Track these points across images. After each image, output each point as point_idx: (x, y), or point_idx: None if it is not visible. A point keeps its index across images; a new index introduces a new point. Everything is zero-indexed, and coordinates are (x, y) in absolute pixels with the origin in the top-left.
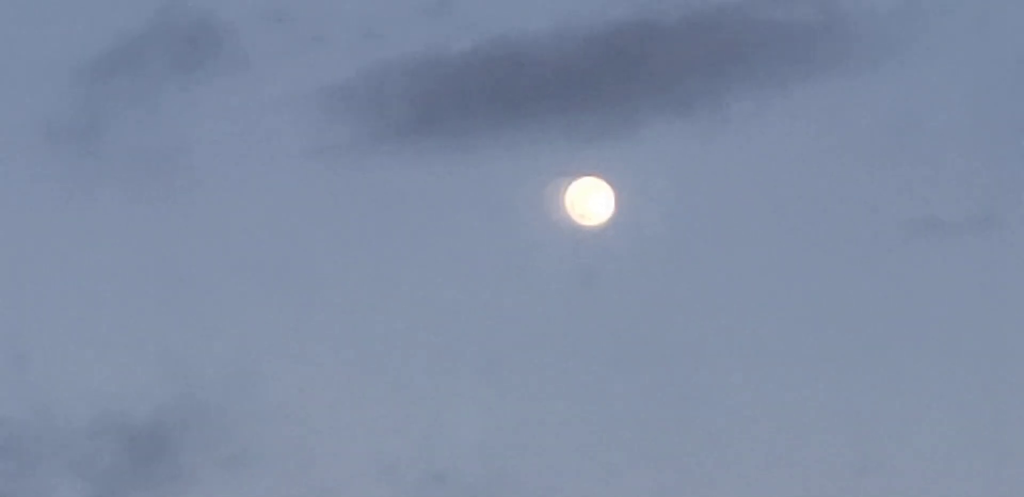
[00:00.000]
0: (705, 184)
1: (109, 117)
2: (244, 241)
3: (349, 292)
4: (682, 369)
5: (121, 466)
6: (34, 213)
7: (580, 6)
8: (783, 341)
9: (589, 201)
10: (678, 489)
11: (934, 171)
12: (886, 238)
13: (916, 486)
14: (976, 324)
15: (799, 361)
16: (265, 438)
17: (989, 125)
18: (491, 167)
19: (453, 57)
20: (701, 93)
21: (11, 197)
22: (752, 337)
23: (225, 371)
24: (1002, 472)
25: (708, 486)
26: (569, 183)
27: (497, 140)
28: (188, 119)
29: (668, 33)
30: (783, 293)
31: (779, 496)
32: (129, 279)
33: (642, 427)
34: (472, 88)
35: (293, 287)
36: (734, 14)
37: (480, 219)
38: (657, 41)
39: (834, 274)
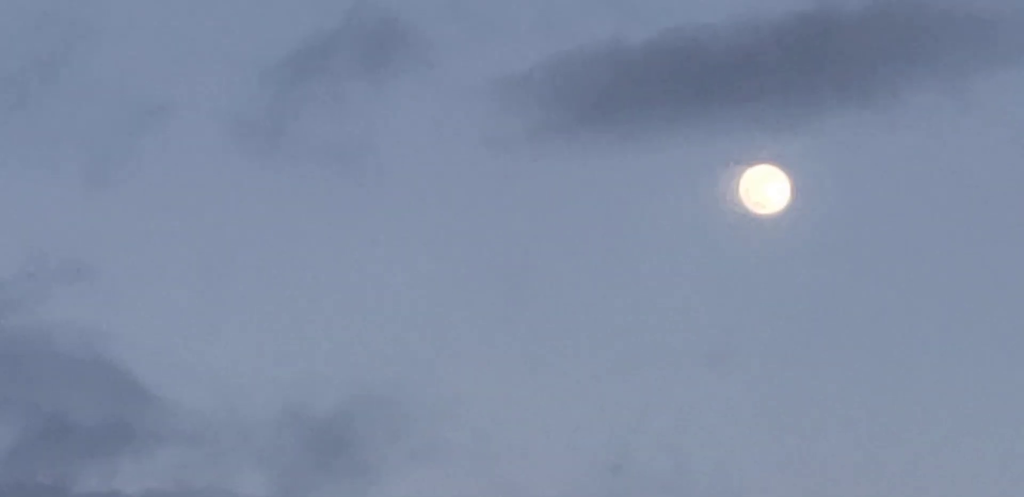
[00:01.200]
0: (884, 175)
1: (297, 115)
2: (425, 235)
3: (530, 283)
4: (860, 359)
5: (305, 458)
6: (223, 210)
7: None
8: (960, 332)
9: (765, 189)
10: (852, 478)
11: None
12: None
13: None
14: None
15: (979, 353)
16: (447, 431)
17: None
18: (668, 158)
19: (631, 48)
20: (881, 84)
21: (202, 194)
22: (928, 328)
23: (408, 364)
24: None
25: (884, 475)
26: (744, 171)
27: (674, 132)
28: (372, 115)
29: (848, 24)
30: (960, 285)
31: (957, 490)
32: (314, 274)
33: (818, 417)
34: (649, 79)
35: (475, 279)
36: (915, 4)
37: (657, 208)
38: (837, 32)
39: (1015, 268)
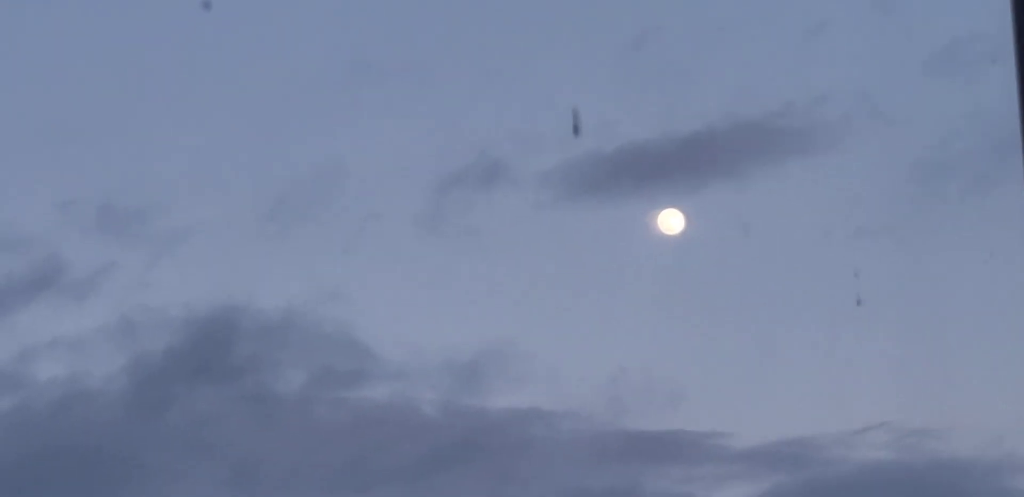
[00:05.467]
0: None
1: None
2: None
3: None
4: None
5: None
6: None
7: None
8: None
9: (671, 221)
10: None
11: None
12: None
13: None
14: None
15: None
16: None
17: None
18: (623, 211)
19: (602, 159)
20: (752, 166)
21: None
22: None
23: None
24: None
25: None
26: (661, 212)
27: (625, 196)
28: None
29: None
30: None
31: None
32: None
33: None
34: (613, 174)
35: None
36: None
37: (617, 236)
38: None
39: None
